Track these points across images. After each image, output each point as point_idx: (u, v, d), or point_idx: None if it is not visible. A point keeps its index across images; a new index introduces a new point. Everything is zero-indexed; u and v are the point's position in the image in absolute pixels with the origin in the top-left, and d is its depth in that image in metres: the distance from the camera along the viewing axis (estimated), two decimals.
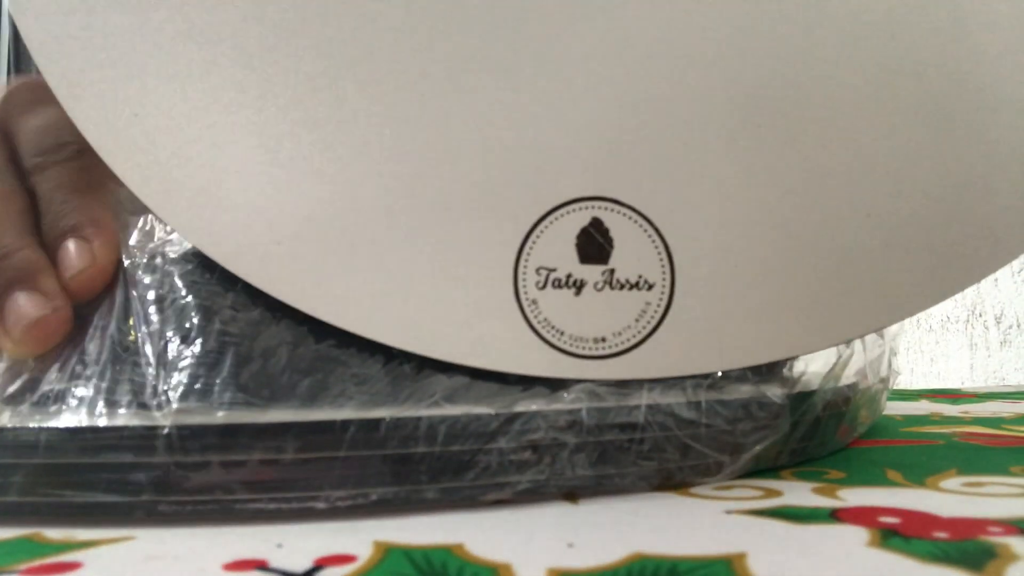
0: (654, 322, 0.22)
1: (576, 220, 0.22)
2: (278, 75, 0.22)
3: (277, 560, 0.17)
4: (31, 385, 0.23)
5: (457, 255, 0.22)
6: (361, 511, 0.21)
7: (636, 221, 0.22)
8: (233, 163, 0.22)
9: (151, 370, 0.22)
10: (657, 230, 0.22)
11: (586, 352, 0.22)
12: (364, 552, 0.18)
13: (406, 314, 0.22)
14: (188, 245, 0.24)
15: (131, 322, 0.23)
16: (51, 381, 0.22)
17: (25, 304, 0.23)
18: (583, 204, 0.22)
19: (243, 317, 0.23)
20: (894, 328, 0.32)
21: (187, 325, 0.23)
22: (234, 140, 0.22)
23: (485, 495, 0.21)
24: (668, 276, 0.22)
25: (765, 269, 0.22)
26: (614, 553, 0.17)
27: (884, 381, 0.31)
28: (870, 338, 0.29)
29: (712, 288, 0.22)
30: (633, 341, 0.22)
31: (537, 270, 0.21)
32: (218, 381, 0.22)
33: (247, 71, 0.22)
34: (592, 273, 0.22)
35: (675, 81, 0.22)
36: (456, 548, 0.18)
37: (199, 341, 0.22)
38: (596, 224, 0.22)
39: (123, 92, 0.22)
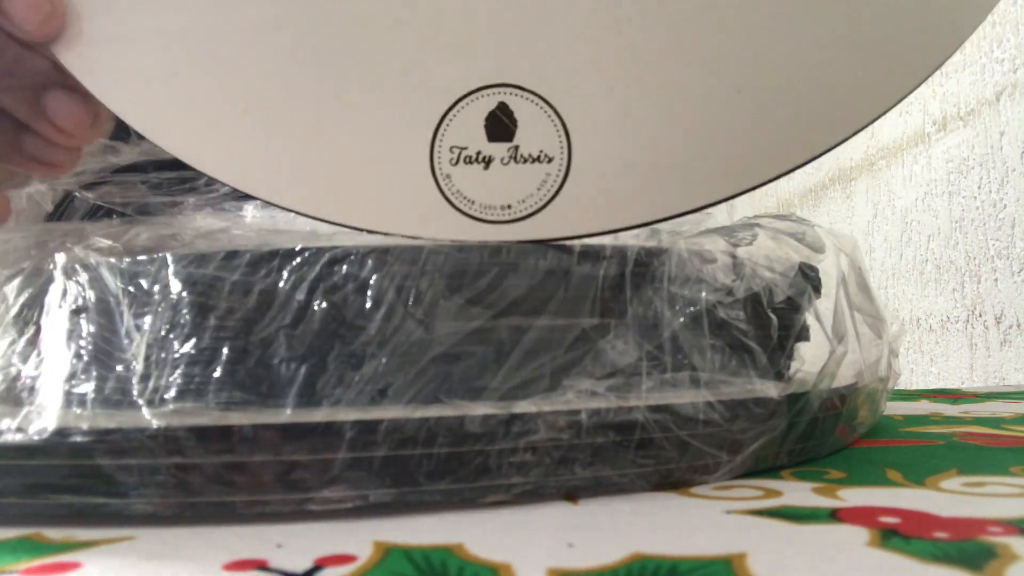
0: (554, 190, 0.25)
1: (485, 104, 0.25)
2: None
3: (277, 560, 0.17)
4: (29, 389, 0.23)
5: (378, 137, 0.25)
6: (361, 512, 0.21)
7: (538, 104, 0.25)
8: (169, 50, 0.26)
9: (147, 371, 0.22)
10: (556, 111, 0.25)
11: (494, 218, 0.25)
12: (364, 552, 0.18)
13: (328, 187, 0.25)
14: (185, 248, 0.24)
15: (127, 324, 0.23)
16: (47, 384, 0.22)
17: None
18: (491, 90, 0.25)
19: (238, 316, 0.23)
20: (895, 329, 0.32)
21: (184, 326, 0.23)
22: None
23: (485, 496, 0.21)
24: (566, 150, 0.25)
25: (649, 141, 0.26)
26: (614, 553, 0.17)
27: (884, 381, 0.31)
28: (867, 338, 0.29)
29: (604, 160, 0.25)
30: (536, 207, 0.25)
31: (451, 148, 0.25)
32: (214, 382, 0.22)
33: None
34: (499, 150, 0.25)
35: None
36: (456, 548, 0.18)
37: (195, 341, 0.22)
38: (502, 107, 0.25)
39: None
